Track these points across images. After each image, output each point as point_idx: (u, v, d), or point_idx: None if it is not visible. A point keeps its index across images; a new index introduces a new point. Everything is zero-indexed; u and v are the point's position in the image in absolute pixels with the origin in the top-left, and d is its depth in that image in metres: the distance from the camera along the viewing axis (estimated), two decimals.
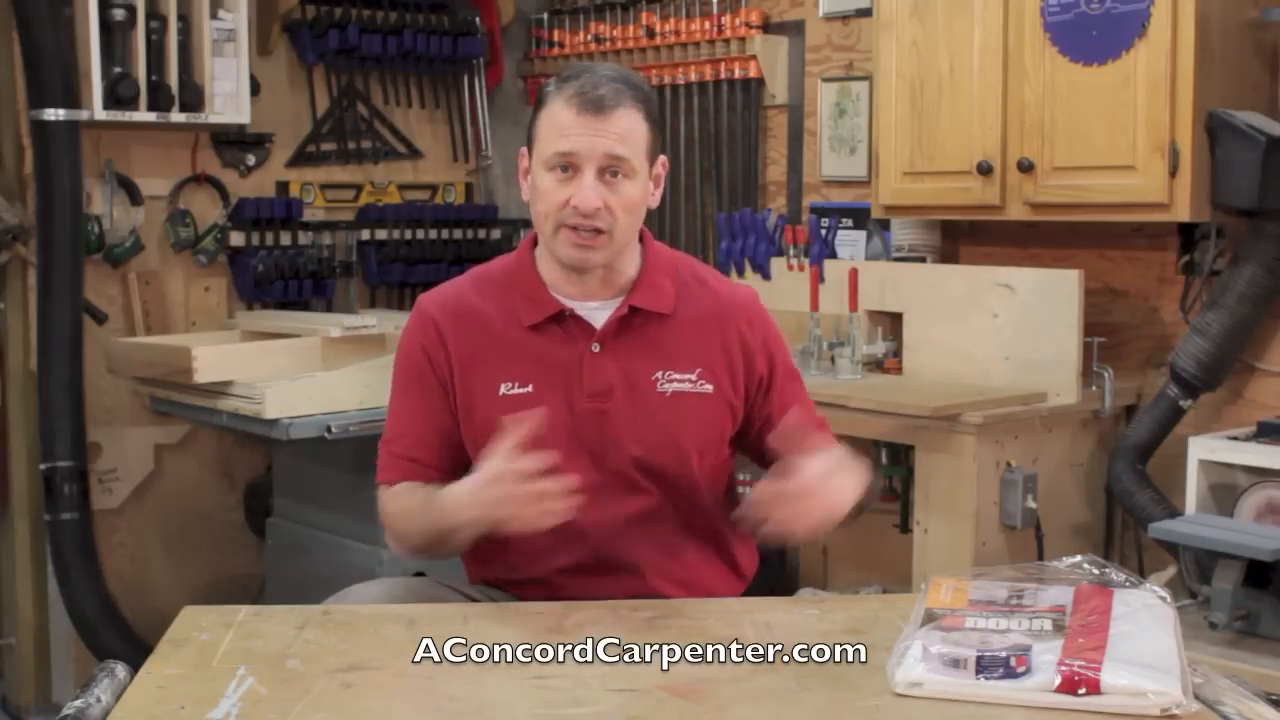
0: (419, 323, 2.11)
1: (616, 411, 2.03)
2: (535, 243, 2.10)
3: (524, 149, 2.06)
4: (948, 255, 3.69)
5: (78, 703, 1.51)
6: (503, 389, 2.03)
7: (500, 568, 2.09)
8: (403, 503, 2.06)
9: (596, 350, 2.04)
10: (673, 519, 2.07)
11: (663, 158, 2.07)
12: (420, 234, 4.46)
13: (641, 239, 2.11)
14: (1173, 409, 3.13)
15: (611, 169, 1.96)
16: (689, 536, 2.09)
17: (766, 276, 3.80)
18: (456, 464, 2.08)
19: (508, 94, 4.78)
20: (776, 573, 3.74)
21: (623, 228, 2.00)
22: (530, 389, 2.03)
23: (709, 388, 2.06)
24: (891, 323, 3.51)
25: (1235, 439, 2.93)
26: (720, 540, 2.13)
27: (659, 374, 2.05)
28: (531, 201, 2.03)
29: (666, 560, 2.07)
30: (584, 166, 1.95)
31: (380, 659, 1.64)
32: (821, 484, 1.85)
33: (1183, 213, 2.96)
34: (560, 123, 1.96)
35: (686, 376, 2.05)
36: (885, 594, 3.05)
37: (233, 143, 4.19)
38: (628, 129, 1.97)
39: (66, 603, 3.74)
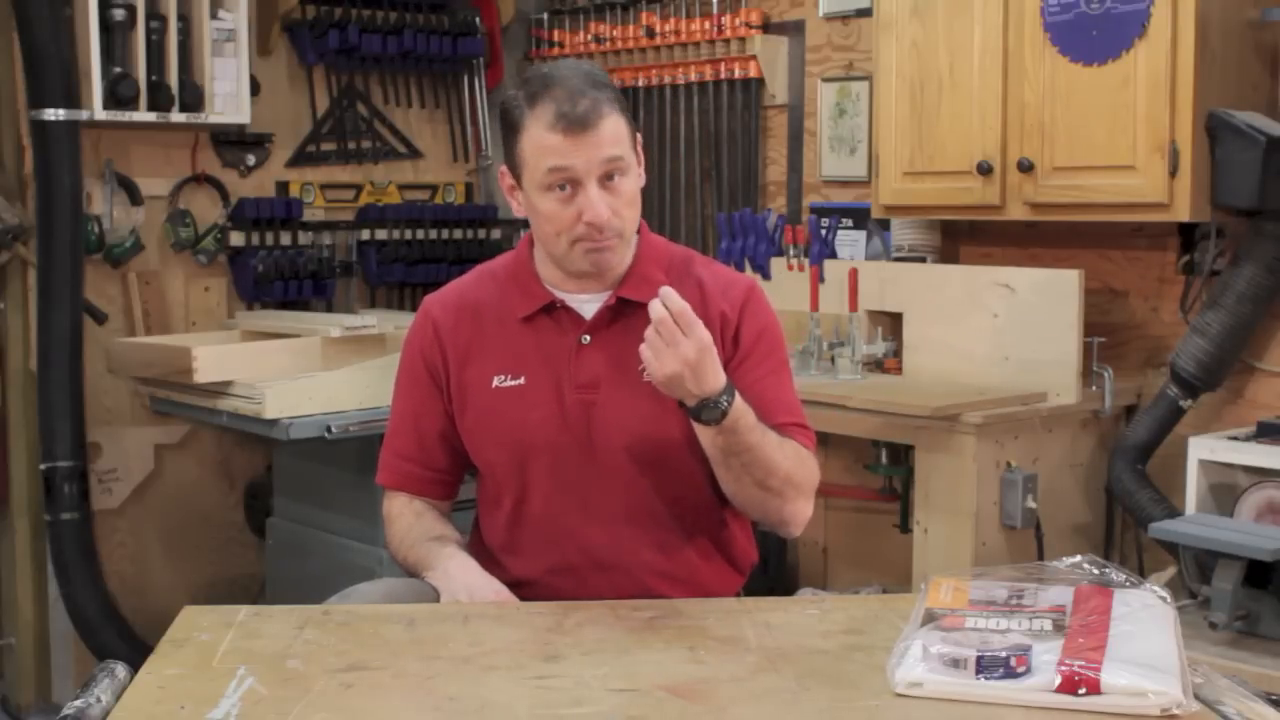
0: (420, 324, 2.16)
1: (604, 403, 2.04)
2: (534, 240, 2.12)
3: (504, 167, 2.06)
4: (948, 255, 3.69)
5: (78, 703, 1.51)
6: (496, 381, 2.07)
7: (493, 569, 2.08)
8: (404, 526, 2.14)
9: (586, 341, 2.06)
10: (666, 514, 2.06)
11: (638, 133, 2.07)
12: (420, 234, 4.46)
13: (638, 230, 2.11)
14: (1173, 409, 3.13)
15: (609, 173, 1.96)
16: (683, 531, 2.08)
17: (766, 276, 3.80)
18: (451, 463, 2.16)
19: None
20: (776, 573, 3.74)
21: (630, 221, 2.03)
22: (523, 380, 2.06)
23: None
24: (891, 323, 3.51)
25: (1235, 439, 2.93)
26: (716, 533, 2.12)
27: None
28: (534, 222, 2.04)
29: (660, 557, 2.06)
30: (584, 180, 1.95)
31: (380, 659, 1.64)
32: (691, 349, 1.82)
33: (1183, 213, 2.96)
34: (549, 145, 1.94)
35: None
36: (885, 594, 3.05)
37: (233, 143, 4.19)
38: (614, 132, 1.96)
39: (66, 603, 3.74)
